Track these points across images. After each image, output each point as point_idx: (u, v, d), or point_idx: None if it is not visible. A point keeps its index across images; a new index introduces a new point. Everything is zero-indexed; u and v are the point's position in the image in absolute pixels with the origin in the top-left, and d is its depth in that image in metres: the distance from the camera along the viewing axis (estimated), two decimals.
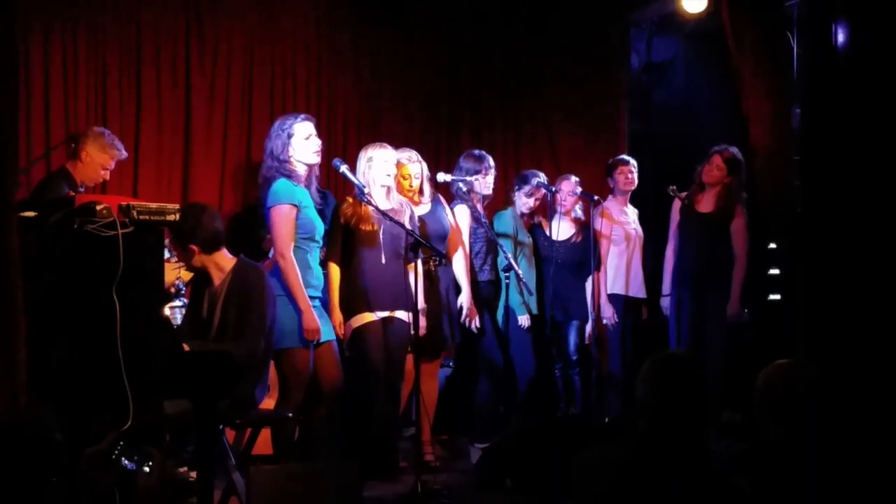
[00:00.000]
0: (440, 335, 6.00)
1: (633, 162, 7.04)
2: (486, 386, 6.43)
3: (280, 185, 5.33)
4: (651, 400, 2.95)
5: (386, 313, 5.65)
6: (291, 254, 5.24)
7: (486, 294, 6.41)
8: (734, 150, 6.76)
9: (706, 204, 6.74)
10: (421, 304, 5.61)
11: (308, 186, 5.47)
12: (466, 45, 7.63)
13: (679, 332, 6.65)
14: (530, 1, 7.70)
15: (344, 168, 5.55)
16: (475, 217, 6.28)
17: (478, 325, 6.21)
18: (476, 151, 6.53)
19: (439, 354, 6.19)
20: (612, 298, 6.88)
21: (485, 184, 6.37)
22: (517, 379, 6.45)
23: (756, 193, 7.27)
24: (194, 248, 4.74)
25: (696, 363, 3.12)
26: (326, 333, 5.36)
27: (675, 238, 6.89)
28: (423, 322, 5.66)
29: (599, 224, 6.82)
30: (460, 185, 6.27)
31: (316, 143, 5.43)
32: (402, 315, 5.68)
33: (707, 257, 6.62)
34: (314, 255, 5.42)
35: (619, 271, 6.92)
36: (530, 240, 6.68)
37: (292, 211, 5.29)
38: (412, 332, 5.53)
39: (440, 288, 6.01)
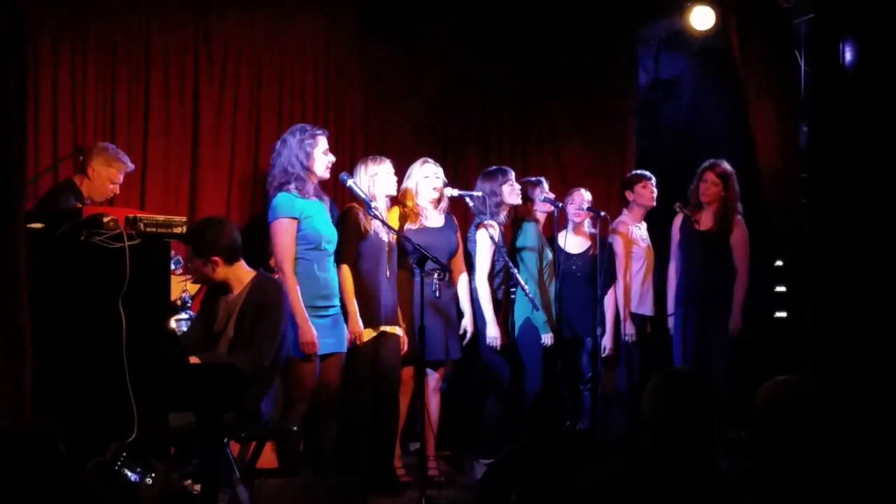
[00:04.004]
0: (438, 350, 5.94)
1: (653, 178, 7.04)
2: (492, 401, 6.41)
3: (279, 199, 5.35)
4: (657, 417, 2.94)
5: (381, 329, 5.67)
6: (290, 268, 5.25)
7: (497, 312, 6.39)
8: (724, 163, 6.75)
9: (705, 221, 6.73)
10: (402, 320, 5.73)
11: (320, 198, 5.48)
12: (473, 61, 7.64)
13: (684, 350, 6.63)
14: (538, 17, 7.71)
15: (351, 182, 5.57)
16: (493, 239, 6.20)
17: (500, 341, 6.21)
18: (491, 168, 6.53)
19: (436, 369, 6.14)
20: (633, 317, 6.88)
21: (512, 192, 6.36)
22: (524, 394, 6.43)
23: (763, 210, 7.27)
24: (217, 259, 4.75)
25: (702, 381, 3.12)
26: (331, 346, 5.35)
27: (677, 256, 6.89)
28: (405, 338, 5.73)
29: (615, 241, 6.82)
30: (468, 200, 6.27)
31: (330, 158, 5.46)
32: (397, 331, 5.75)
33: (710, 275, 6.60)
34: (324, 265, 5.39)
35: (635, 289, 6.90)
36: (552, 255, 6.65)
37: (292, 224, 5.30)
38: (407, 346, 5.68)
39: (441, 304, 6.00)
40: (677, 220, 6.90)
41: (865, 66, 6.52)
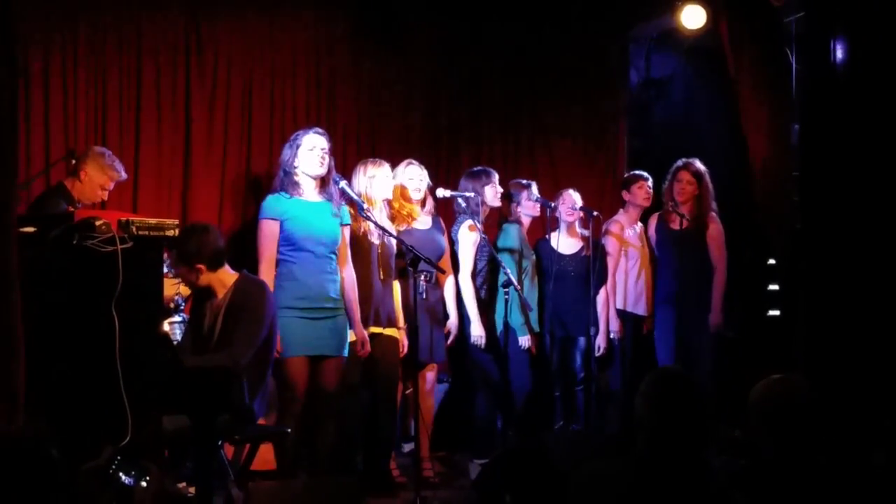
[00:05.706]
0: (423, 351, 5.91)
1: (650, 178, 7.04)
2: (485, 402, 6.42)
3: (266, 200, 5.45)
4: (649, 416, 2.95)
5: (371, 330, 5.67)
6: (266, 267, 5.32)
7: (483, 311, 6.38)
8: (697, 162, 6.78)
9: (680, 220, 6.73)
10: (401, 322, 5.76)
11: (328, 197, 5.48)
12: (465, 62, 7.63)
13: (676, 350, 6.64)
14: (529, 18, 7.71)
15: (343, 183, 5.58)
16: (481, 234, 6.23)
17: (484, 340, 6.21)
18: (475, 168, 6.56)
19: (421, 370, 6.11)
20: (623, 315, 6.88)
21: (494, 195, 6.37)
22: (515, 395, 6.43)
23: (755, 209, 7.28)
24: (202, 267, 4.78)
25: (694, 379, 3.12)
26: (326, 348, 5.34)
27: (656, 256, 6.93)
28: (404, 340, 5.75)
29: (607, 241, 6.83)
30: (460, 200, 6.27)
31: (319, 155, 5.45)
32: (390, 332, 5.75)
33: (688, 273, 6.64)
34: (310, 268, 5.37)
35: (630, 288, 6.91)
36: (534, 257, 6.67)
37: (271, 225, 5.37)
38: (401, 347, 5.74)
39: (428, 305, 5.99)
40: (652, 221, 6.94)
41: (856, 64, 6.54)
